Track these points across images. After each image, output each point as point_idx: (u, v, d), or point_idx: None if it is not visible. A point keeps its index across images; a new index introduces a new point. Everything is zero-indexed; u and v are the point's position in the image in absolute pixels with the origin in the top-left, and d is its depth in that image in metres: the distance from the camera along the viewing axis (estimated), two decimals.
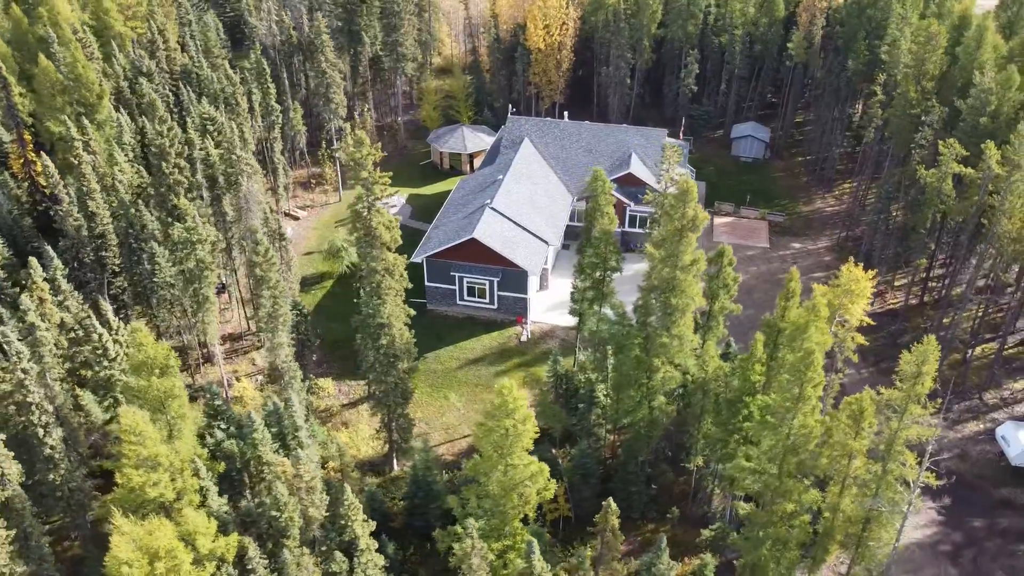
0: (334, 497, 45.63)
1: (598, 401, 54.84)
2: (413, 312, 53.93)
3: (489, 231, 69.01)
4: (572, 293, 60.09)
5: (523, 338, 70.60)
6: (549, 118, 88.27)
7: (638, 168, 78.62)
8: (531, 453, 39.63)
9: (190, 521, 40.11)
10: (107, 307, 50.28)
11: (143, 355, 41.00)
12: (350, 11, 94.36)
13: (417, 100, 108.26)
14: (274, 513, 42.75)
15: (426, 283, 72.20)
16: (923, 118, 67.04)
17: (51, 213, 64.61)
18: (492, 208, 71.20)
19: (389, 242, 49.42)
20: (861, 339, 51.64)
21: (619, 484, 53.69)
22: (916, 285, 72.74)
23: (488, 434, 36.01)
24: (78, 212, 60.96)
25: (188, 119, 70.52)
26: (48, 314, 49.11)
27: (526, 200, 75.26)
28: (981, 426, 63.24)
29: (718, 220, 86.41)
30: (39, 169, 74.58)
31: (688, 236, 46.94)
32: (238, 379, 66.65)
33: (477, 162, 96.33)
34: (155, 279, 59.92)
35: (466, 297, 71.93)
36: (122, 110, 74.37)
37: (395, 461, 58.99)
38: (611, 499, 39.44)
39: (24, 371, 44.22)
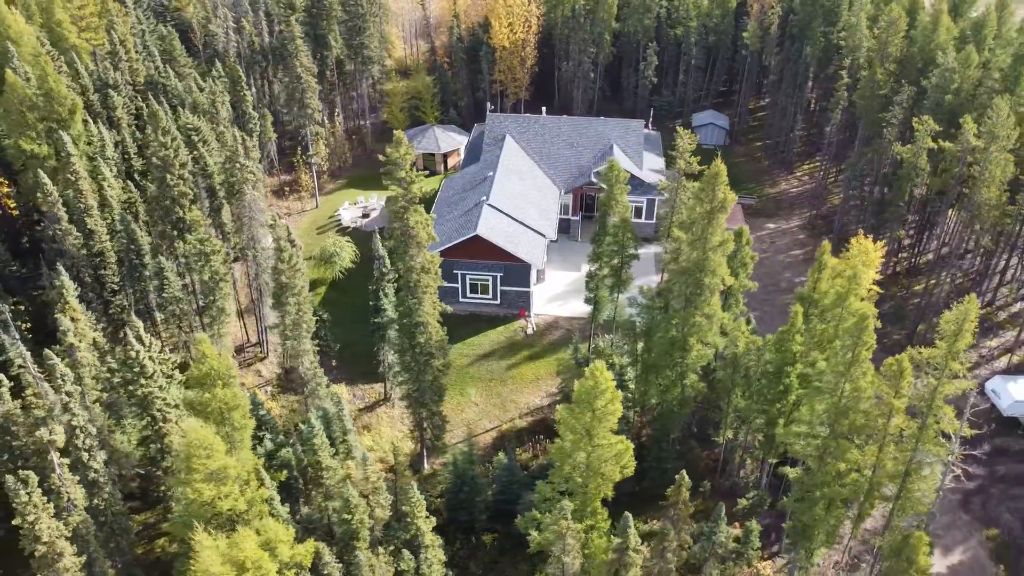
0: (395, 496, 45.90)
1: (627, 384, 56.39)
2: (449, 309, 54.50)
3: (490, 227, 69.83)
4: (587, 282, 61.50)
5: (528, 331, 71.70)
6: (528, 114, 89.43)
7: (621, 159, 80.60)
8: None
9: (270, 529, 39.87)
10: (138, 323, 48.98)
11: (207, 366, 40.36)
12: (314, 15, 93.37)
13: (378, 103, 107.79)
14: (345, 516, 42.73)
15: None
16: (894, 98, 71.09)
17: (40, 233, 62.45)
18: (490, 204, 72.00)
19: (425, 240, 49.83)
20: (873, 308, 54.73)
21: (653, 462, 55.38)
22: (891, 255, 76.95)
23: (578, 417, 37.00)
24: (77, 231, 59.00)
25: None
26: (82, 334, 47.56)
27: (519, 195, 76.32)
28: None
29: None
30: (4, 190, 71.83)
31: (718, 217, 48.93)
32: (249, 391, 65.57)
33: (451, 161, 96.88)
34: (164, 294, 58.57)
35: (468, 294, 72.55)
36: (99, 124, 71.98)
37: (426, 460, 59.32)
38: (684, 472, 41.02)
39: (68, 394, 42.92)
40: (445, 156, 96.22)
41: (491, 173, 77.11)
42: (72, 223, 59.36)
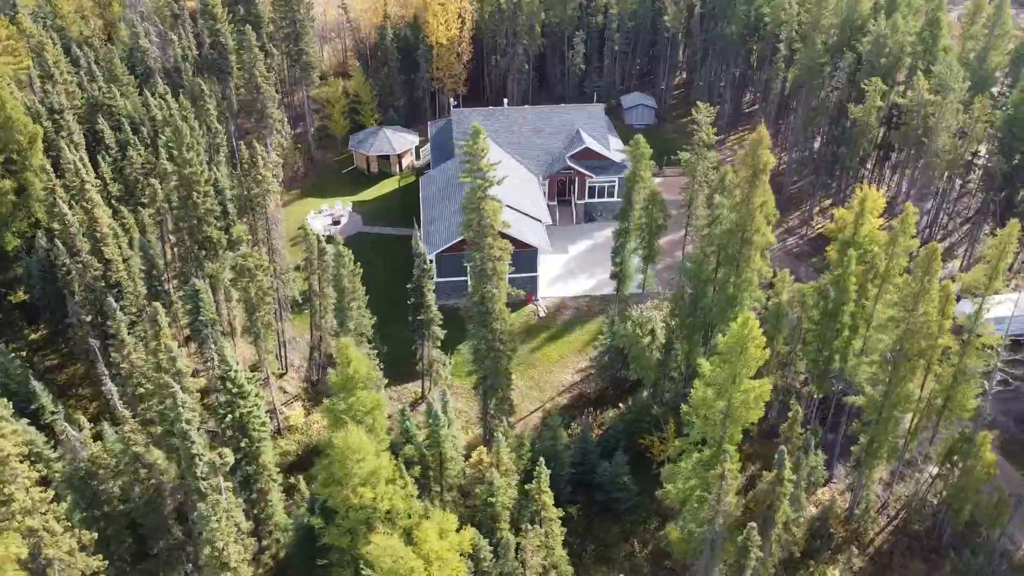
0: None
1: (675, 347, 60.04)
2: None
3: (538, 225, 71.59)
4: (613, 257, 64.64)
5: (541, 314, 74.01)
6: (492, 107, 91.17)
7: (591, 143, 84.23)
8: None
9: (439, 519, 40.55)
10: (227, 344, 47.42)
11: (352, 370, 40.28)
12: (253, 23, 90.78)
13: (315, 110, 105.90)
14: (490, 499, 43.82)
15: (435, 279, 73.04)
16: (839, 64, 78.68)
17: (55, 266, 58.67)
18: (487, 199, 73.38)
19: (498, 228, 51.27)
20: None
21: None
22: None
23: (725, 365, 40.09)
24: (99, 263, 55.78)
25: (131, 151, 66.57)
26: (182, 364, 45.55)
27: (508, 185, 78.08)
28: None
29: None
30: None
31: (761, 178, 53.35)
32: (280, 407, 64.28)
33: (405, 162, 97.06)
34: (200, 317, 56.54)
35: None
36: (72, 149, 67.52)
37: (490, 445, 60.58)
38: (797, 406, 45.11)
39: (188, 422, 41.46)
40: (400, 157, 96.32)
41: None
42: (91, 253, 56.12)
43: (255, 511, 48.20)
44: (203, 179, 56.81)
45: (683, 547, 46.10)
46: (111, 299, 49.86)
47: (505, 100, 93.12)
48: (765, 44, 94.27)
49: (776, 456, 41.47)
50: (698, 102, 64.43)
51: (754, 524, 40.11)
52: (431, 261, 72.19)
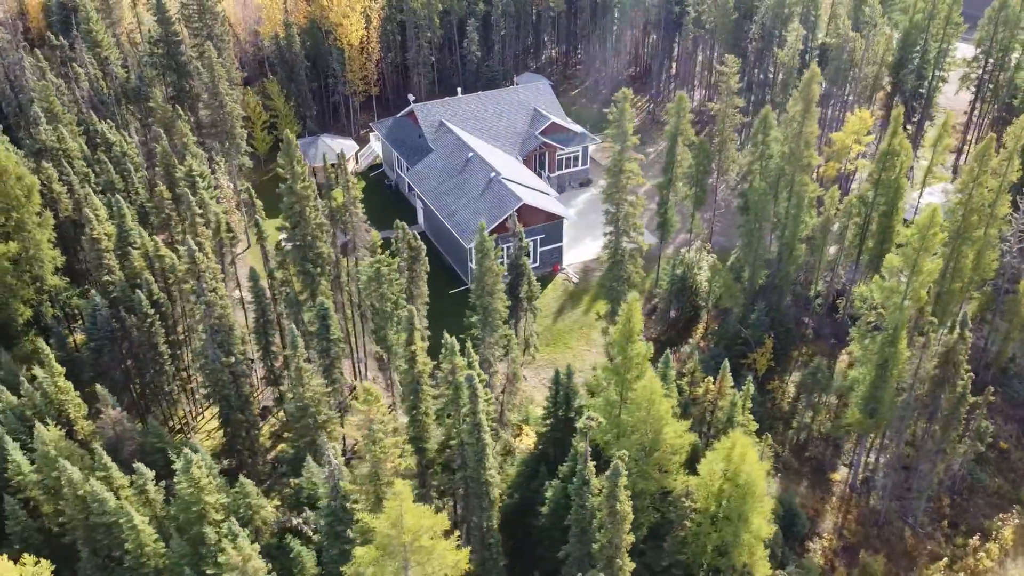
0: None
1: (743, 275, 67.27)
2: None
3: (524, 194, 74.16)
4: (660, 208, 70.37)
5: (574, 280, 77.93)
6: (448, 97, 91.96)
7: (555, 117, 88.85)
8: None
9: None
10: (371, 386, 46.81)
11: (632, 323, 42.66)
12: (170, 44, 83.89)
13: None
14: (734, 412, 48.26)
15: (472, 266, 74.26)
16: (754, 16, 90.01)
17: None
18: (504, 178, 75.86)
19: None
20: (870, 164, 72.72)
21: (780, 328, 67.60)
22: None
23: (910, 256, 47.91)
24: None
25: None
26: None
27: (504, 166, 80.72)
28: None
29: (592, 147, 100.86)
30: None
31: (812, 110, 61.92)
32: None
33: (350, 167, 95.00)
34: (331, 337, 54.40)
35: None
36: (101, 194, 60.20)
37: None
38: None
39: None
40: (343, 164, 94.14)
41: (469, 155, 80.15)
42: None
43: None
44: (312, 194, 54.23)
45: (864, 424, 53.56)
46: (295, 328, 47.02)
47: (459, 89, 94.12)
48: (659, 12, 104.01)
49: (960, 317, 50.08)
50: (727, 55, 71.62)
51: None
52: (471, 250, 73.54)
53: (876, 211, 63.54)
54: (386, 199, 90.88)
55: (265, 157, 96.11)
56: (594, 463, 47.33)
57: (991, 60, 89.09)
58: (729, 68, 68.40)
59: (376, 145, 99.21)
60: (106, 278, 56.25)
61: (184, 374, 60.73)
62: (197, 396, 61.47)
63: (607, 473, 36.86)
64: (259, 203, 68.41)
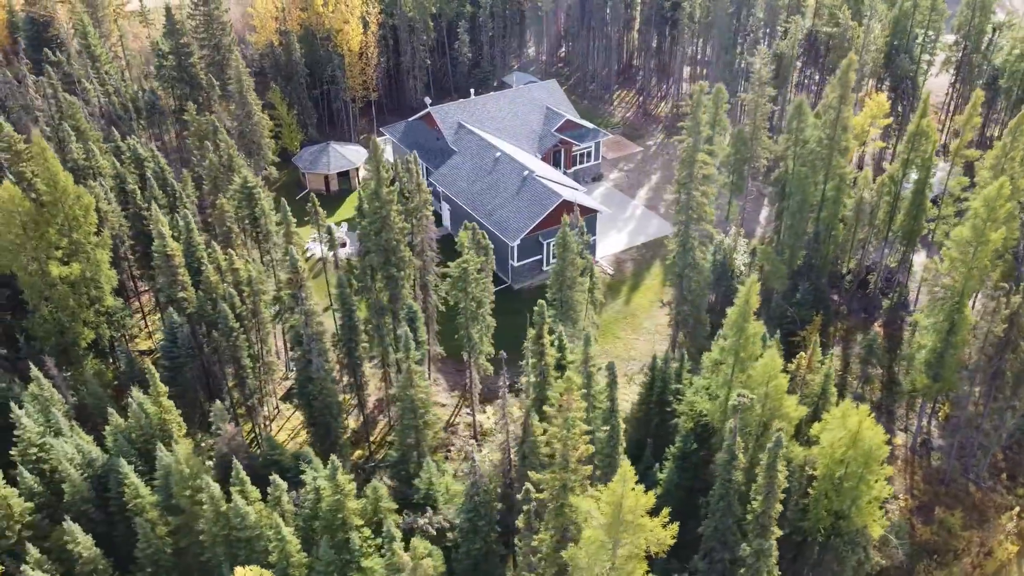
0: None
1: (783, 256, 70.21)
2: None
3: (563, 191, 75.62)
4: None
5: (610, 271, 79.76)
6: (461, 99, 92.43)
7: (569, 115, 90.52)
8: None
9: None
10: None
11: (749, 305, 44.66)
12: (181, 56, 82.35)
13: None
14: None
15: (514, 264, 75.49)
16: (752, 9, 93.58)
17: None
18: (538, 176, 77.17)
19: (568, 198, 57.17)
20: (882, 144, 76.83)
21: (822, 305, 70.84)
22: None
23: (977, 225, 51.26)
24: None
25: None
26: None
27: (532, 164, 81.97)
28: None
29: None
30: None
31: (849, 97, 65.17)
32: None
33: (361, 174, 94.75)
34: (418, 339, 54.90)
35: (551, 260, 77.36)
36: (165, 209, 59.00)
37: None
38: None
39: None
40: (356, 170, 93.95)
41: (497, 154, 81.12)
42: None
43: None
44: (394, 196, 54.50)
45: (930, 388, 56.89)
46: (408, 331, 47.45)
47: (428, 100, 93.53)
48: (648, 9, 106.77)
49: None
50: (757, 46, 74.30)
51: None
52: (514, 247, 74.77)
53: (907, 189, 67.26)
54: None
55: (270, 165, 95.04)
56: (694, 443, 49.52)
57: (968, 44, 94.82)
58: (761, 59, 71.22)
59: (384, 150, 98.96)
60: (181, 295, 55.33)
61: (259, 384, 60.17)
62: (273, 404, 61.14)
63: (769, 445, 38.71)
64: (323, 211, 68.01)
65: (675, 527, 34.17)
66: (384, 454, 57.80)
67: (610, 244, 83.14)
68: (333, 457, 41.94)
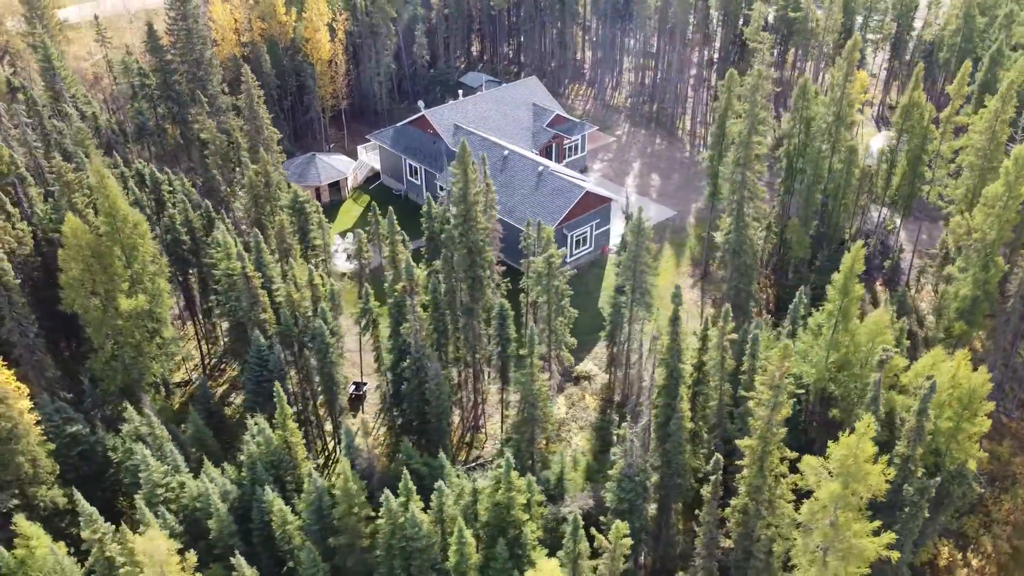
0: None
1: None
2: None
3: (583, 183, 77.56)
4: (711, 178, 76.22)
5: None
6: (451, 100, 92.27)
7: (558, 109, 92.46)
8: None
9: None
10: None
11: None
12: (167, 72, 78.64)
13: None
14: None
15: None
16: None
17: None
18: (553, 171, 78.81)
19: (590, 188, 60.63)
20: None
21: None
22: None
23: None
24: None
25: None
26: None
27: (538, 159, 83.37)
28: None
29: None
30: None
31: (854, 74, 70.33)
32: None
33: (350, 183, 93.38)
34: (506, 336, 55.74)
35: (574, 251, 79.25)
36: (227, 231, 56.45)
37: None
38: None
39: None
40: (345, 180, 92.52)
41: (505, 152, 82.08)
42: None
43: None
44: (482, 200, 54.77)
45: (965, 333, 62.57)
46: (534, 328, 48.18)
47: (422, 104, 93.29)
48: (605, 3, 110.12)
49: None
50: (762, 31, 78.29)
51: None
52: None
53: (904, 157, 73.32)
54: (398, 208, 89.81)
55: None
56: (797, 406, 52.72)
57: (901, 22, 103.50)
58: (763, 45, 75.45)
59: (366, 157, 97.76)
60: (263, 316, 53.72)
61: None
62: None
63: (921, 394, 42.13)
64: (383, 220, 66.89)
65: (892, 472, 36.95)
66: (486, 451, 58.22)
67: (617, 232, 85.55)
68: (508, 455, 42.33)
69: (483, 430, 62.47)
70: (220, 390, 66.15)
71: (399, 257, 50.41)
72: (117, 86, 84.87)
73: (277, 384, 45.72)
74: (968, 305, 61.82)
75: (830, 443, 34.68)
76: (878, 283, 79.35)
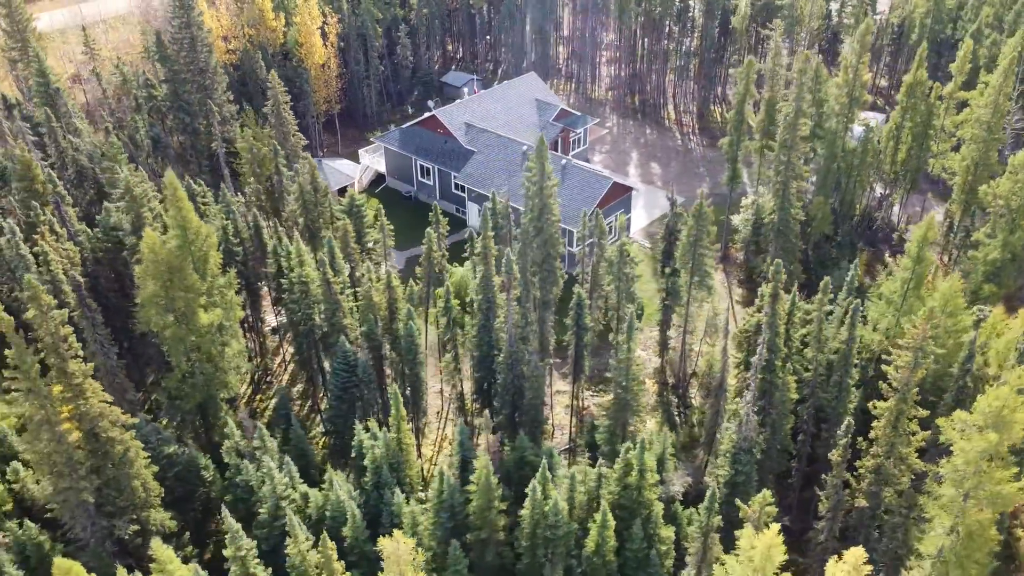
0: None
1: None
2: None
3: (608, 173, 78.89)
4: (730, 163, 78.53)
5: (647, 245, 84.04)
6: (457, 99, 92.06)
7: (561, 104, 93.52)
8: None
9: None
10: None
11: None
12: (177, 82, 76.35)
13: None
14: None
15: (572, 249, 77.80)
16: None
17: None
18: (576, 163, 79.95)
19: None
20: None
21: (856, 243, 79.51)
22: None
23: None
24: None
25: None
26: None
27: (557, 154, 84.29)
28: None
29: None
30: None
31: (865, 56, 73.71)
32: None
33: (357, 186, 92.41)
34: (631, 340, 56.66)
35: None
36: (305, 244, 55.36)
37: None
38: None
39: None
40: (353, 185, 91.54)
41: (524, 147, 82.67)
42: None
43: None
44: (554, 192, 55.35)
45: (993, 292, 66.47)
46: (633, 315, 49.11)
47: (430, 105, 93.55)
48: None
49: None
50: (776, 19, 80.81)
51: None
52: (573, 233, 76.93)
53: (909, 133, 77.27)
54: (408, 210, 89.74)
55: None
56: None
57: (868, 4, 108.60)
58: (777, 35, 78.17)
59: (369, 160, 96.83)
60: (347, 321, 53.16)
61: None
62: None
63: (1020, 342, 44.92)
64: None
65: None
66: (556, 440, 59.02)
67: (638, 220, 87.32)
68: (642, 437, 43.21)
69: (549, 420, 63.15)
70: (271, 403, 64.98)
71: (490, 254, 50.63)
72: (110, 98, 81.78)
73: (394, 386, 45.42)
74: (997, 268, 65.77)
75: (978, 396, 36.83)
76: (887, 255, 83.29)
